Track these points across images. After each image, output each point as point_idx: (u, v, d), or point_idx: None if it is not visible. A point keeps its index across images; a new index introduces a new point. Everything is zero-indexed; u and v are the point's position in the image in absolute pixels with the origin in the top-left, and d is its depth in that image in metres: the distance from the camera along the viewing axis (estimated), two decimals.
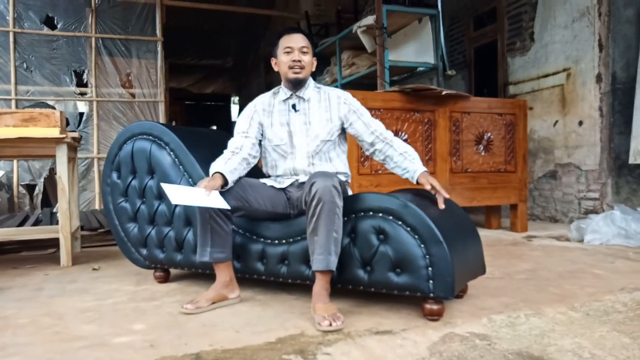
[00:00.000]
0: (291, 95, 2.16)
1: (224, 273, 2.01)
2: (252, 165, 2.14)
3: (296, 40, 2.10)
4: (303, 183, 2.08)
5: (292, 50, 2.09)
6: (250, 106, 2.22)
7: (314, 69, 2.19)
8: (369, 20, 4.92)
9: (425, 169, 2.00)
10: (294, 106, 2.15)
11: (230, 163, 2.00)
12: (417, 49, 5.02)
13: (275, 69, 2.18)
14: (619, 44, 4.02)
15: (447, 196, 1.90)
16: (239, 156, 2.05)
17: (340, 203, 1.80)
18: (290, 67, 2.09)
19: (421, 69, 5.21)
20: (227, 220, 1.98)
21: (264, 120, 2.18)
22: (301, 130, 2.13)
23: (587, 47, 4.17)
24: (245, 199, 2.00)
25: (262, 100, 2.22)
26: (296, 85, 2.12)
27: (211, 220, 1.94)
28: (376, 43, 4.83)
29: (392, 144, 2.08)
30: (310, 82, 2.19)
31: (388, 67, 4.70)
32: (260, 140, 2.19)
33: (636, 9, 4.00)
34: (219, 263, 2.00)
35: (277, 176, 2.18)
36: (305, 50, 2.11)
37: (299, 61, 2.08)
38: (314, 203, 1.77)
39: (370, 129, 2.10)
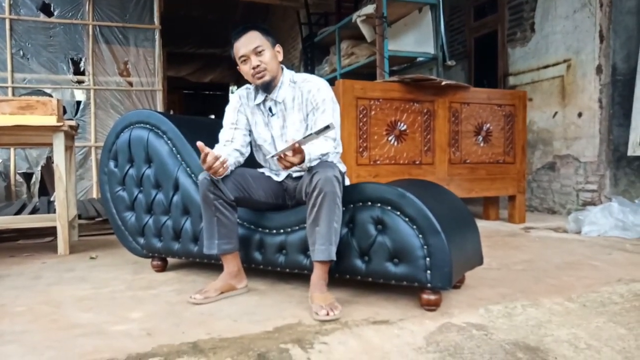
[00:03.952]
0: (266, 97, 2.06)
1: (232, 263, 2.01)
2: (246, 155, 2.11)
3: (247, 44, 1.96)
4: (299, 177, 2.07)
5: (247, 58, 1.96)
6: (236, 97, 2.15)
7: (280, 59, 2.04)
8: (369, 9, 4.88)
9: (310, 156, 1.75)
10: (270, 109, 2.08)
11: (225, 150, 1.98)
12: (417, 38, 4.98)
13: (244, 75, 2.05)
14: (620, 35, 4.00)
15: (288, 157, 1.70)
16: (231, 147, 2.03)
17: (340, 193, 1.79)
18: (253, 75, 1.98)
19: (421, 59, 5.17)
20: (232, 211, 1.97)
21: (248, 114, 2.12)
22: (279, 134, 2.07)
23: (588, 38, 4.15)
24: (247, 190, 1.99)
25: (247, 94, 2.13)
26: (267, 87, 2.02)
27: (217, 212, 1.92)
28: (376, 33, 4.80)
29: None
30: (285, 77, 2.05)
31: (387, 57, 4.67)
32: (250, 131, 2.14)
33: (638, 0, 3.97)
34: (226, 254, 1.99)
35: (271, 170, 2.16)
36: (260, 49, 1.95)
37: (258, 65, 1.95)
38: (315, 193, 1.75)
39: (315, 128, 1.84)
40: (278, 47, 2.05)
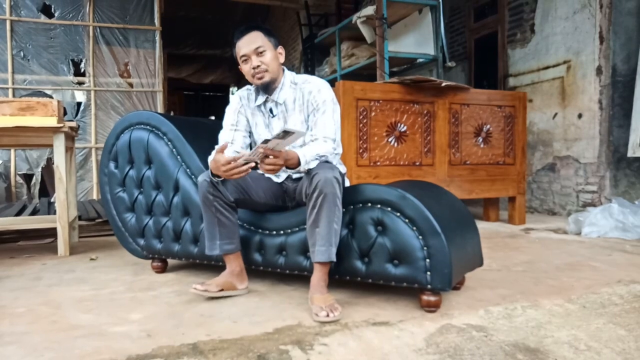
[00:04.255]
0: (266, 99, 2.06)
1: (234, 264, 2.01)
2: None
3: (248, 44, 1.96)
4: (299, 179, 2.07)
5: (248, 58, 1.97)
6: (236, 98, 2.14)
7: (282, 61, 2.04)
8: (369, 10, 4.89)
9: (306, 158, 1.78)
10: (271, 110, 2.07)
11: (226, 152, 1.98)
12: (417, 40, 4.99)
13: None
14: (620, 36, 4.00)
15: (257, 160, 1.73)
16: (231, 148, 2.03)
17: (340, 195, 1.79)
18: (253, 75, 1.98)
19: (421, 60, 5.18)
20: (232, 212, 1.98)
21: (249, 116, 2.12)
22: None
23: (588, 39, 4.15)
24: (246, 191, 1.99)
25: (247, 95, 2.13)
26: (267, 88, 2.02)
27: (217, 213, 1.93)
28: (376, 34, 4.81)
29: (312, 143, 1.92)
30: (286, 78, 2.04)
31: (388, 58, 4.67)
32: (250, 132, 2.14)
33: (638, 1, 3.97)
34: (228, 254, 2.00)
35: None
36: (261, 49, 1.95)
37: (259, 66, 1.95)
38: (315, 194, 1.76)
39: (315, 129, 1.95)
40: (280, 49, 2.05)
